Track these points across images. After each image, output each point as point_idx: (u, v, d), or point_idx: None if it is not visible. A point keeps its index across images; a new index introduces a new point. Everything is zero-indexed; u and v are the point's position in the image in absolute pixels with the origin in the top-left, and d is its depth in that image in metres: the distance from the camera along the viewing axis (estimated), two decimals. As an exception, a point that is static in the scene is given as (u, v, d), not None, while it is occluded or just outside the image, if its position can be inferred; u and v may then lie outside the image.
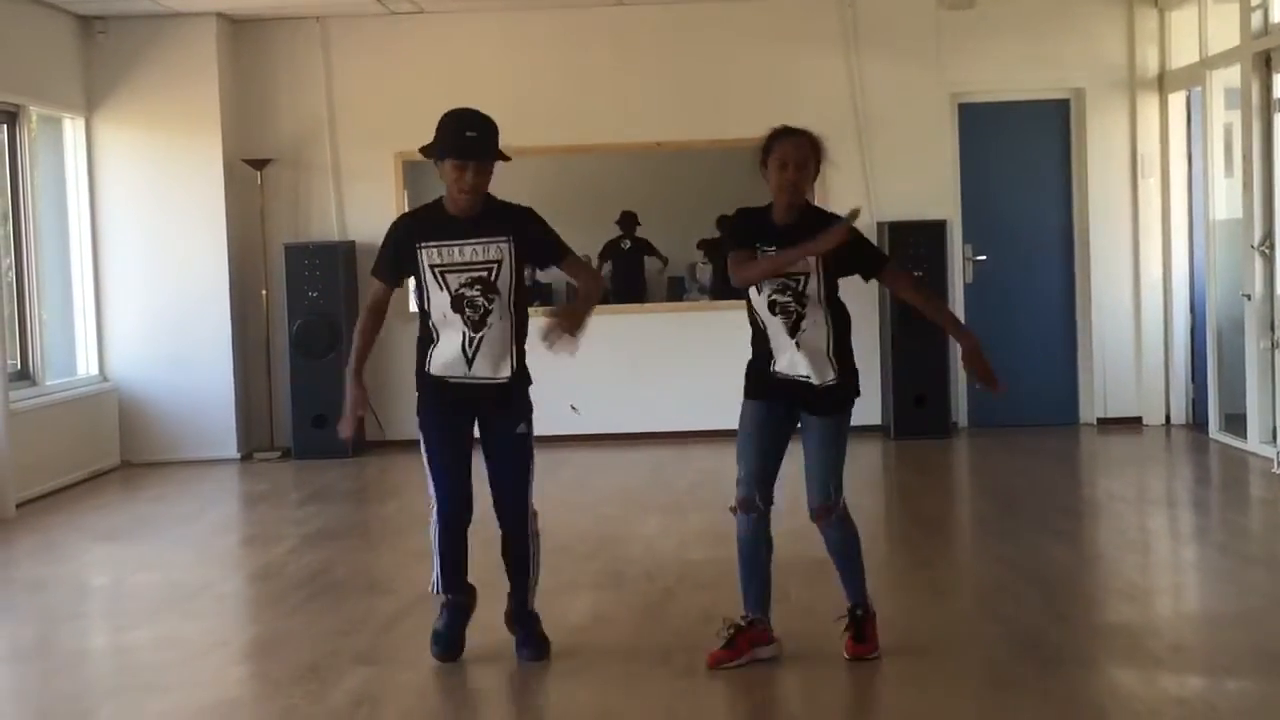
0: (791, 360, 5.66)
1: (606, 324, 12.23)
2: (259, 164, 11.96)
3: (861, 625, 5.73)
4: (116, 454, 11.64)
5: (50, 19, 11.25)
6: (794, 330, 5.64)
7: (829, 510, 5.66)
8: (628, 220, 12.64)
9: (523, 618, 5.90)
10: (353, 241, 12.12)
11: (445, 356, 5.69)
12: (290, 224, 12.24)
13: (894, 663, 5.75)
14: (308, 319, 11.74)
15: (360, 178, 12.26)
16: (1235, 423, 10.79)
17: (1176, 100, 11.95)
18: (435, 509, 5.79)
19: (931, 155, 12.16)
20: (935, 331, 11.83)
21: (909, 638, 6.06)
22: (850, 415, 5.78)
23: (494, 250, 5.63)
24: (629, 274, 12.60)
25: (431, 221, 5.72)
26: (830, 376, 5.66)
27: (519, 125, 12.07)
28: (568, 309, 5.68)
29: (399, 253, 5.73)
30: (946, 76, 12.11)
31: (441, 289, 5.64)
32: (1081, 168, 12.18)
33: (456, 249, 5.63)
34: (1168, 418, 12.07)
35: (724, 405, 10.79)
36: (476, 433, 5.83)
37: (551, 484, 9.86)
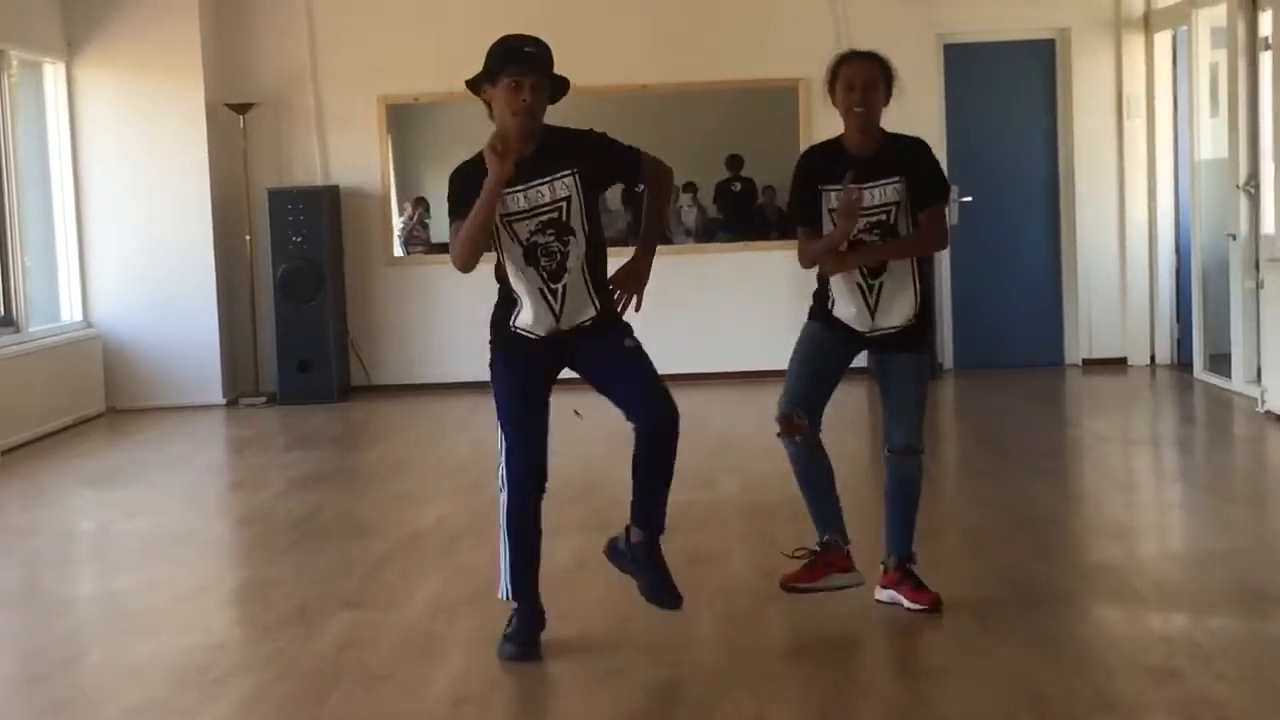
0: (858, 307, 5.34)
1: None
2: (241, 108, 11.88)
3: (914, 575, 5.56)
4: (101, 400, 11.61)
5: (29, -38, 11.16)
6: (877, 271, 5.33)
7: (911, 451, 5.46)
8: (735, 162, 12.53)
9: (655, 551, 5.18)
10: (336, 186, 12.06)
11: (531, 315, 5.04)
12: (274, 168, 12.17)
13: (881, 602, 5.77)
14: (292, 264, 11.69)
15: (344, 122, 12.19)
16: (1219, 362, 10.81)
17: (1162, 40, 11.91)
18: (505, 487, 5.09)
19: (916, 96, 11.87)
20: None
21: (895, 578, 6.07)
22: (929, 354, 5.43)
23: (560, 187, 4.97)
24: (742, 213, 12.16)
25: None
26: (910, 315, 5.40)
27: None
28: (628, 272, 5.12)
29: (470, 202, 4.91)
30: (932, 16, 12.05)
31: (513, 241, 4.99)
32: (1067, 108, 12.14)
33: (522, 195, 4.94)
34: (1152, 358, 12.09)
35: (723, 347, 10.80)
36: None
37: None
